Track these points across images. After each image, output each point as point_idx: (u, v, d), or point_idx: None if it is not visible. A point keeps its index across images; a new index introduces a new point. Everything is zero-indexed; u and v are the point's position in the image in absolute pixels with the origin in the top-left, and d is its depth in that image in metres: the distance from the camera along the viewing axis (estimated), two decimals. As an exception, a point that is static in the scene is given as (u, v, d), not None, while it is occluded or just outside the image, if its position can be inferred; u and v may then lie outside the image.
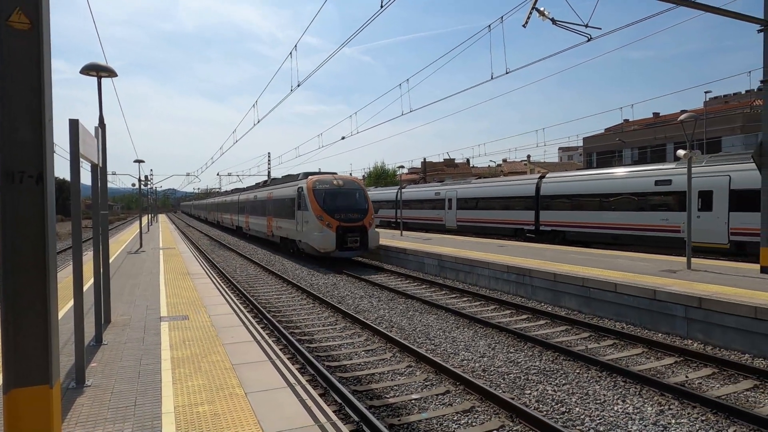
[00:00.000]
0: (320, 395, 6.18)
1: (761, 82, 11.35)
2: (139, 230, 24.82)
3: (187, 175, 59.72)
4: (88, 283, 10.52)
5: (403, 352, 8.10)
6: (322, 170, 26.75)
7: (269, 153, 57.62)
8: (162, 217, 72.57)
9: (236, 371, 5.39)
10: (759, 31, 11.14)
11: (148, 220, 44.68)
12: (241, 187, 44.49)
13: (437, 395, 6.31)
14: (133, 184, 58.98)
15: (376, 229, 20.82)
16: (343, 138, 23.93)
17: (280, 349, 8.10)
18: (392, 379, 6.93)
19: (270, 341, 6.68)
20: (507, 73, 12.50)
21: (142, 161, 23.25)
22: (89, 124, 5.63)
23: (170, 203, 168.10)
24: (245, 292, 13.04)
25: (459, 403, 6.04)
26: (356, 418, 5.53)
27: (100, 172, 6.50)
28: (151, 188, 49.21)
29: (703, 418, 5.54)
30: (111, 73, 7.11)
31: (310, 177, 20.29)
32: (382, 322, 10.22)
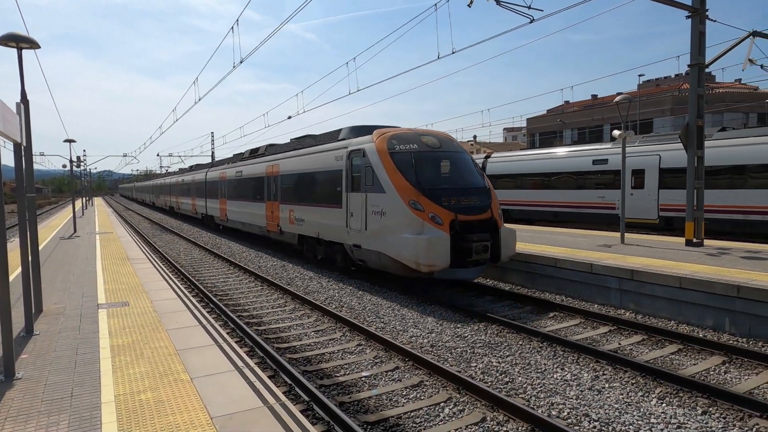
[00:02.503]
0: (270, 377, 6.14)
1: (688, 66, 12.03)
2: (72, 214, 23.44)
3: (125, 155, 56.79)
4: (16, 272, 9.88)
5: (353, 331, 8.15)
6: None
7: (212, 133, 55.60)
8: (98, 201, 68.85)
9: (181, 356, 5.24)
10: (687, 17, 11.75)
11: (82, 203, 42.30)
12: (205, 163, 36.12)
13: (387, 371, 6.41)
14: (64, 166, 55.52)
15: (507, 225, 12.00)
16: (289, 117, 23.34)
17: (228, 333, 7.96)
18: (342, 358, 6.98)
19: (216, 325, 6.53)
20: (453, 53, 12.58)
21: (73, 141, 21.83)
22: (9, 100, 5.20)
23: (107, 186, 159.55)
24: (190, 276, 12.66)
25: (408, 379, 6.16)
26: (306, 398, 5.54)
27: (24, 151, 6.05)
28: (85, 170, 46.45)
29: (633, 381, 5.94)
30: (33, 44, 6.56)
31: (378, 131, 11.44)
32: (331, 302, 10.23)
